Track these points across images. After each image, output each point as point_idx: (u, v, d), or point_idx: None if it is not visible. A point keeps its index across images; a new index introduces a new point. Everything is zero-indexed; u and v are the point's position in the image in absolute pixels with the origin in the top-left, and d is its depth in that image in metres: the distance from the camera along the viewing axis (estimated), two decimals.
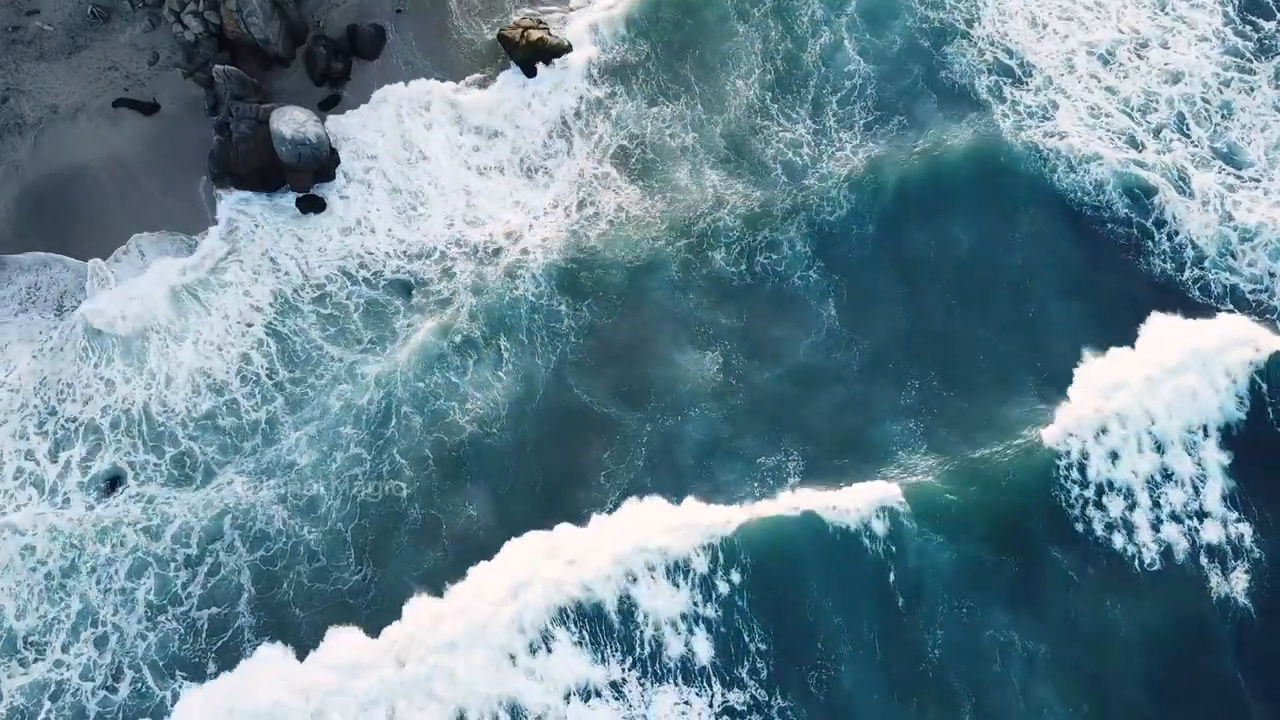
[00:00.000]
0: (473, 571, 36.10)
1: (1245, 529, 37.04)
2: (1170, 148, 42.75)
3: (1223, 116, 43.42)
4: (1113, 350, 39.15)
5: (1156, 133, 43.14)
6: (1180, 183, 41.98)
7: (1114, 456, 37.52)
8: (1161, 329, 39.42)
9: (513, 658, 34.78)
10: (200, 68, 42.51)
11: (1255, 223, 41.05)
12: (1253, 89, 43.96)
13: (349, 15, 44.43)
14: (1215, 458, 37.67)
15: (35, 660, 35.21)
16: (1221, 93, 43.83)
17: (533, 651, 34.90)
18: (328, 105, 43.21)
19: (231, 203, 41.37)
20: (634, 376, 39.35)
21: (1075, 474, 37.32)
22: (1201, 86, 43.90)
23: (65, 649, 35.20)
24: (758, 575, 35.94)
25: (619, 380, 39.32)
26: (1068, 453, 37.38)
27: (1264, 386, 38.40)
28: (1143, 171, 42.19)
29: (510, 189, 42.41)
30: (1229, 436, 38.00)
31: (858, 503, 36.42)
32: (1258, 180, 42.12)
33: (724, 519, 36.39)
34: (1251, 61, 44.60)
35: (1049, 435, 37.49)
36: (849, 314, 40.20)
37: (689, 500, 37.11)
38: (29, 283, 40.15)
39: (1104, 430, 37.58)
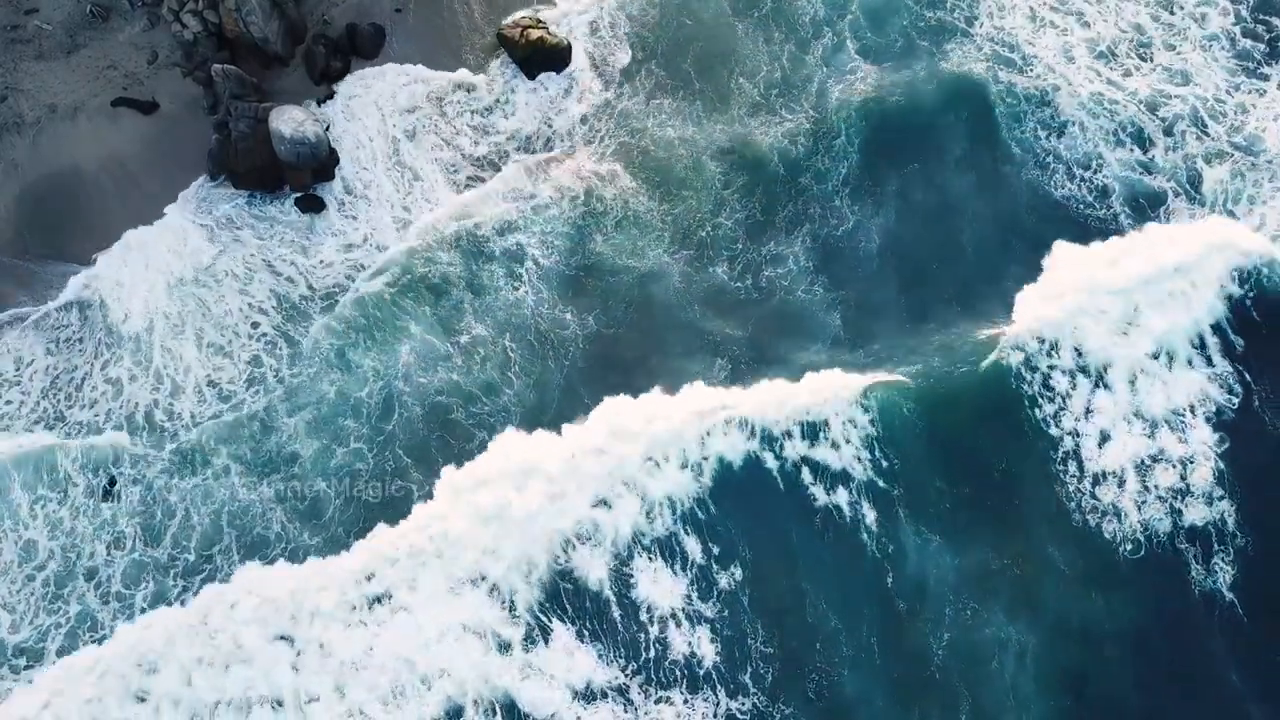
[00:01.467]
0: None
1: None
2: (1183, 143, 42.87)
3: (1238, 112, 43.41)
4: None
5: (1168, 130, 43.25)
6: (1189, 186, 41.96)
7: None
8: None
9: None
10: (199, 67, 42.39)
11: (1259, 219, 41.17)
12: (1264, 92, 43.92)
13: (348, 14, 44.34)
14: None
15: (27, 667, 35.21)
16: (1232, 95, 43.80)
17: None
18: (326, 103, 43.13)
19: (193, 197, 41.37)
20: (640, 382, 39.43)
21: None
22: (1213, 88, 43.88)
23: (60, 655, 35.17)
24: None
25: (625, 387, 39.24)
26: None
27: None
28: (1148, 178, 42.40)
29: (509, 189, 42.25)
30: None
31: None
32: (1270, 164, 42.36)
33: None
34: (1262, 65, 44.52)
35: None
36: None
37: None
38: (59, 293, 40.16)
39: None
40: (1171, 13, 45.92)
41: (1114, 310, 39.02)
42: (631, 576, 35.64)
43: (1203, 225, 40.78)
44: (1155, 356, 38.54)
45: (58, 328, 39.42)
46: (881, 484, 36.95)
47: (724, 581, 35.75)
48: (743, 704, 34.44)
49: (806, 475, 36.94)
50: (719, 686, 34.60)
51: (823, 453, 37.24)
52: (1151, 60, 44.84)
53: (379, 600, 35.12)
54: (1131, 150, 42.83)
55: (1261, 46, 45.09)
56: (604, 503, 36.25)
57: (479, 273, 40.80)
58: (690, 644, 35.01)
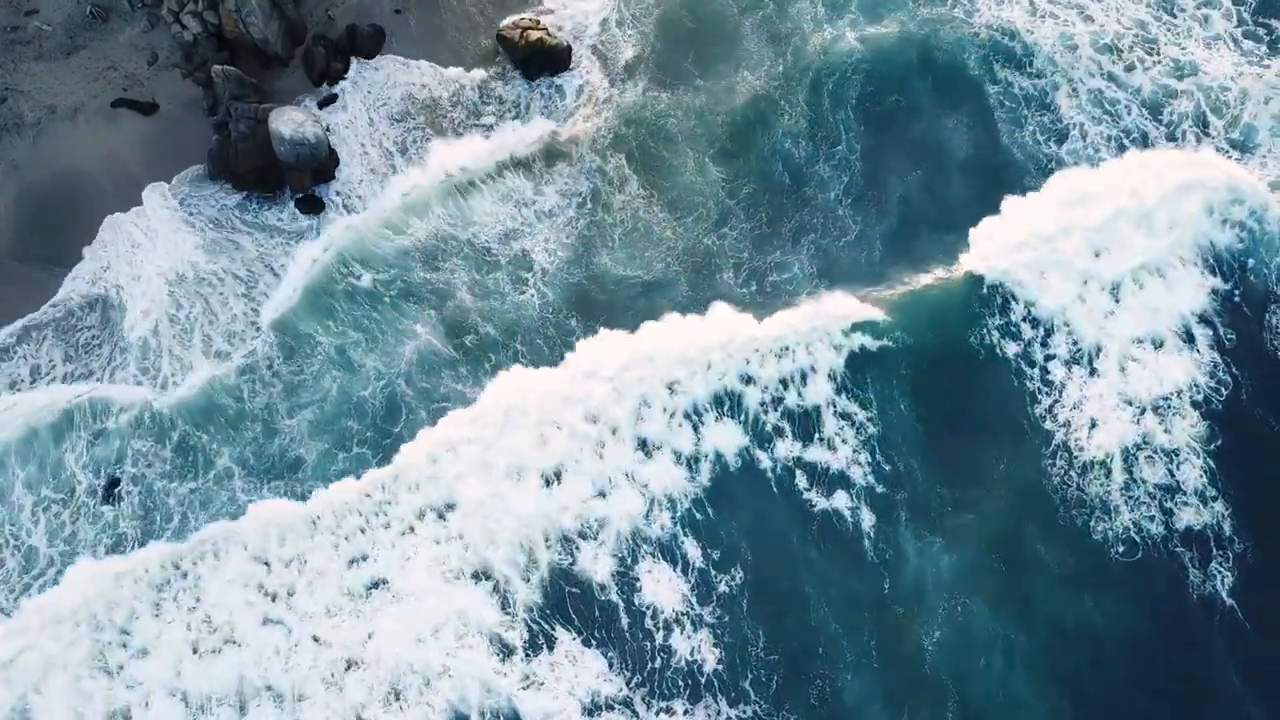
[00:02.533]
0: None
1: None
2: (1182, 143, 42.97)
3: (1235, 102, 43.57)
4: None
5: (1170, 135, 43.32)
6: None
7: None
8: None
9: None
10: (199, 68, 42.38)
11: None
12: (1260, 76, 44.13)
13: (348, 15, 44.32)
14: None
15: None
16: (1235, 82, 43.94)
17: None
18: (326, 105, 43.05)
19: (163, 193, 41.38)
20: None
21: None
22: (1221, 77, 44.08)
23: None
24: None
25: None
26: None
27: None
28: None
29: (509, 196, 42.15)
30: None
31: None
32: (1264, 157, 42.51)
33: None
34: (1264, 59, 44.55)
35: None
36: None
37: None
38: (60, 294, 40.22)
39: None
40: (1173, 15, 45.83)
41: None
42: (635, 578, 35.73)
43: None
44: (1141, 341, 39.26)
45: (78, 330, 39.42)
46: (880, 487, 37.20)
47: (722, 584, 35.79)
48: (744, 711, 34.52)
49: (801, 477, 37.17)
50: (719, 694, 34.65)
51: (817, 453, 37.50)
52: (1159, 53, 44.80)
53: (375, 586, 35.32)
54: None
55: (1262, 47, 45.04)
56: (602, 494, 36.47)
57: (483, 279, 40.68)
58: (691, 648, 35.03)
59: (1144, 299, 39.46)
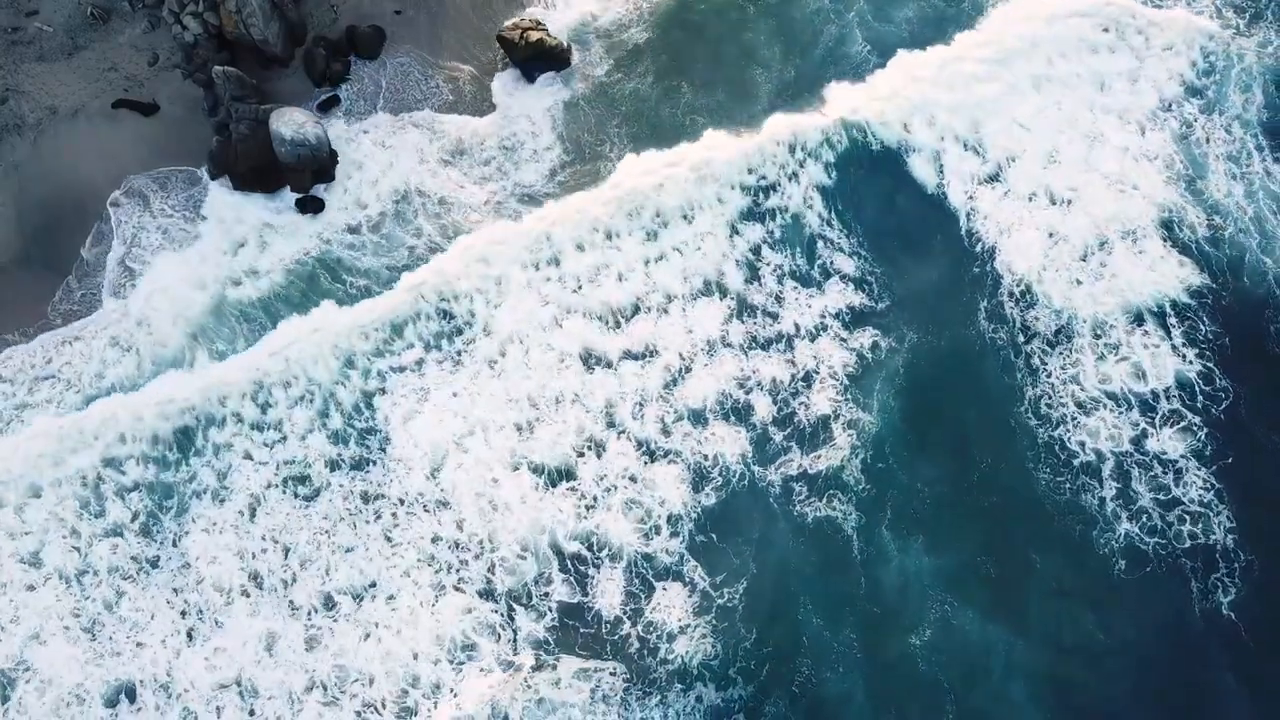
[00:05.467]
0: None
1: None
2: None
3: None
4: None
5: None
6: None
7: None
8: None
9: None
10: (200, 68, 42.50)
11: None
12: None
13: (348, 16, 44.43)
14: None
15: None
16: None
17: None
18: (327, 106, 43.14)
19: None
20: None
21: None
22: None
23: None
24: None
25: None
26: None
27: None
28: None
29: (514, 211, 42.01)
30: None
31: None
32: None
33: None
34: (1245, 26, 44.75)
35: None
36: None
37: None
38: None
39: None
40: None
41: None
42: (631, 584, 35.93)
43: None
44: None
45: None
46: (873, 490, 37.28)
47: (722, 595, 35.85)
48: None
49: (800, 486, 37.27)
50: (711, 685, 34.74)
51: (816, 464, 37.57)
52: None
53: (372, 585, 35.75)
54: None
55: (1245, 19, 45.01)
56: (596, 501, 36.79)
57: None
58: (686, 646, 35.10)
59: None
